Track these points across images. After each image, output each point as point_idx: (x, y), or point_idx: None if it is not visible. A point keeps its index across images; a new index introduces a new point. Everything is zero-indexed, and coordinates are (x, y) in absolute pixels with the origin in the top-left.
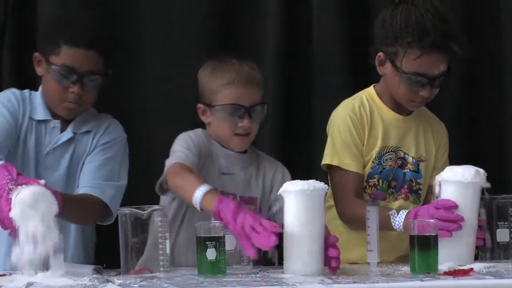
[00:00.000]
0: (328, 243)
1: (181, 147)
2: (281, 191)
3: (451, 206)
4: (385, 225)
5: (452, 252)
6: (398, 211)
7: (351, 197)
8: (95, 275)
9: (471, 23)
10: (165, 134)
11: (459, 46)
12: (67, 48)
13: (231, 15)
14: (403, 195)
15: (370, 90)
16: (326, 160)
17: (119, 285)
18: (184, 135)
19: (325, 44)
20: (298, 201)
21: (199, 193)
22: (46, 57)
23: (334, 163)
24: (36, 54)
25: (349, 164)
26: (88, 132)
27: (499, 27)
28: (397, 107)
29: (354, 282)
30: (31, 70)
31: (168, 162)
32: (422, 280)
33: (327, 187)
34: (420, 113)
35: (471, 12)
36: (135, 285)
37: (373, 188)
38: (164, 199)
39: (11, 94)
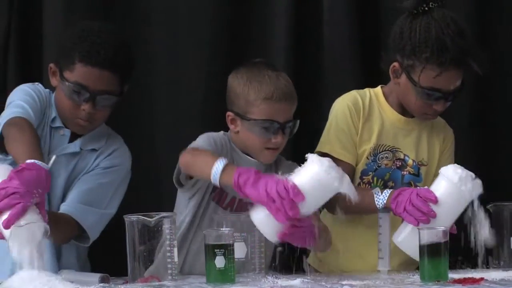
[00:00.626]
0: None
1: (203, 143)
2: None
3: (430, 200)
4: (367, 204)
5: (410, 240)
6: (382, 190)
7: None
8: (101, 284)
9: (484, 30)
10: (171, 136)
11: (477, 62)
12: (81, 65)
13: (239, 17)
14: None
15: (377, 89)
16: (319, 147)
17: None
18: (208, 135)
19: (335, 46)
20: (314, 174)
21: (217, 168)
22: (60, 71)
23: (325, 150)
24: (51, 65)
25: (340, 153)
26: (94, 150)
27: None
28: (402, 109)
29: None
30: (35, 74)
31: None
32: None
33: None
34: None
35: (484, 19)
36: None
37: (367, 185)
38: (181, 198)
39: (40, 87)
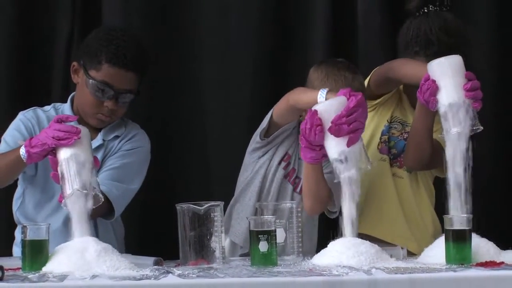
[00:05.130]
0: None
1: None
2: None
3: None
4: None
5: None
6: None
7: None
8: (156, 266)
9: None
10: (220, 131)
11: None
12: (108, 66)
13: (283, 17)
14: (398, 163)
15: None
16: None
17: (179, 275)
18: None
19: (369, 37)
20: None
21: (323, 91)
22: (85, 69)
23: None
24: (74, 63)
25: None
26: (116, 137)
27: None
28: None
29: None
30: None
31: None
32: (455, 271)
33: None
34: None
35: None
36: (193, 276)
37: (383, 144)
38: (249, 160)
39: (38, 113)
